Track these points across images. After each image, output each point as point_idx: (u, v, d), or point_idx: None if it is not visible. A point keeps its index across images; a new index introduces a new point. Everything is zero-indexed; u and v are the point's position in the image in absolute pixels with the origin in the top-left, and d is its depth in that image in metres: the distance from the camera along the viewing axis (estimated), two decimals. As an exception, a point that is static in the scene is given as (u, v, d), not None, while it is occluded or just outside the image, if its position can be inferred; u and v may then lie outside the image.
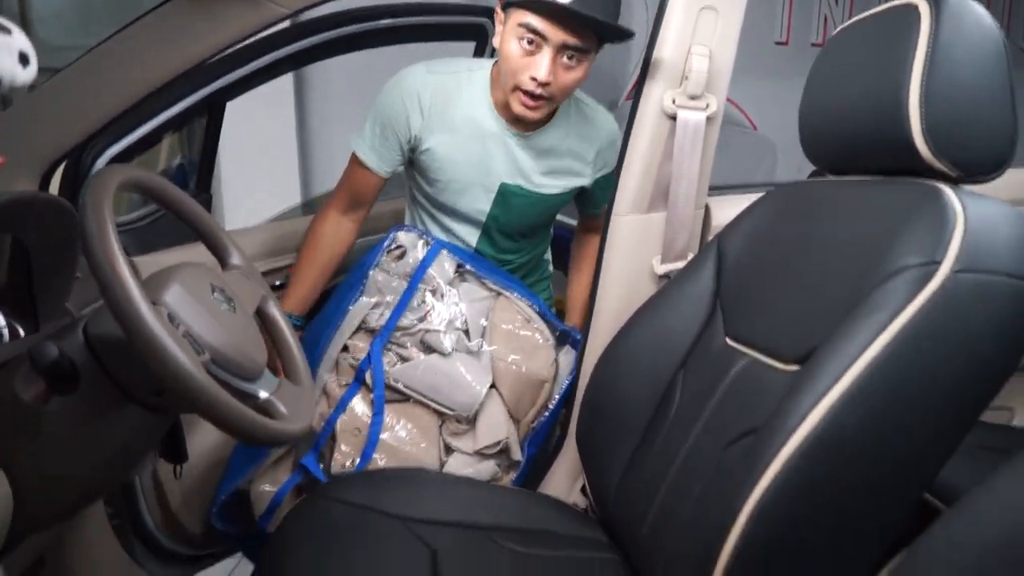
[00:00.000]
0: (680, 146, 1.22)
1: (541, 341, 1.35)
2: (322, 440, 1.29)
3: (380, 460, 1.25)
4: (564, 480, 1.37)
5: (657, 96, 1.22)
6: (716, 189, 1.37)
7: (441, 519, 1.09)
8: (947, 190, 0.81)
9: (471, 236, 1.42)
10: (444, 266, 1.35)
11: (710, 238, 1.22)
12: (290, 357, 0.97)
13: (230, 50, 1.18)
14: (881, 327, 0.74)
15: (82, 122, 1.15)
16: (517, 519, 1.13)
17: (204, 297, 0.81)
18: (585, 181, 1.41)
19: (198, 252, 1.10)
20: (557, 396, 1.38)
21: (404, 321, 1.31)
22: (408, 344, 1.31)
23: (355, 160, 1.37)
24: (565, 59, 1.18)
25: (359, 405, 1.30)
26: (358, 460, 1.26)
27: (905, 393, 0.74)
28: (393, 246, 1.38)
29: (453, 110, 1.30)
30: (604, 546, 1.11)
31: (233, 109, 2.02)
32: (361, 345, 1.32)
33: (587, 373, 1.26)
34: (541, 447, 1.39)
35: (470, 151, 1.31)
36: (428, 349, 1.32)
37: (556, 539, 1.11)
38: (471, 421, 1.30)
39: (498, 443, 1.29)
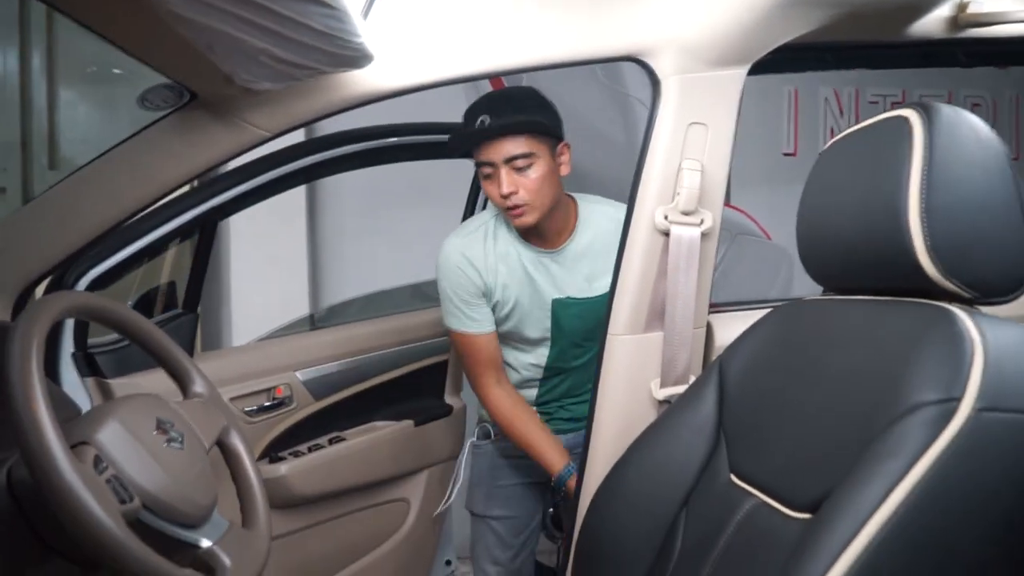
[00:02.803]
0: (674, 263, 1.21)
1: None
2: None
3: None
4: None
5: (649, 212, 1.21)
6: (718, 306, 1.32)
7: None
8: (960, 314, 0.76)
9: (543, 351, 1.56)
10: None
11: (713, 359, 1.17)
12: (248, 494, 0.94)
13: (218, 171, 1.20)
14: (898, 477, 0.69)
15: (61, 244, 1.17)
16: None
17: (145, 434, 0.78)
18: None
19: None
20: None
21: None
22: None
23: (460, 336, 1.52)
24: (517, 168, 1.39)
25: None
26: None
27: (925, 557, 0.69)
28: None
29: (496, 250, 1.49)
30: None
31: (246, 222, 2.10)
32: None
33: (583, 510, 1.18)
34: None
35: (521, 278, 1.49)
36: None
37: None
38: None
39: None
